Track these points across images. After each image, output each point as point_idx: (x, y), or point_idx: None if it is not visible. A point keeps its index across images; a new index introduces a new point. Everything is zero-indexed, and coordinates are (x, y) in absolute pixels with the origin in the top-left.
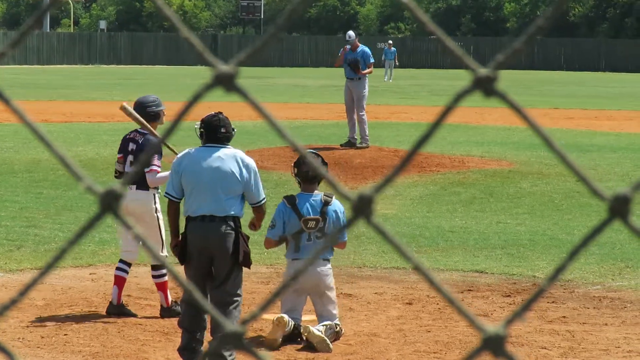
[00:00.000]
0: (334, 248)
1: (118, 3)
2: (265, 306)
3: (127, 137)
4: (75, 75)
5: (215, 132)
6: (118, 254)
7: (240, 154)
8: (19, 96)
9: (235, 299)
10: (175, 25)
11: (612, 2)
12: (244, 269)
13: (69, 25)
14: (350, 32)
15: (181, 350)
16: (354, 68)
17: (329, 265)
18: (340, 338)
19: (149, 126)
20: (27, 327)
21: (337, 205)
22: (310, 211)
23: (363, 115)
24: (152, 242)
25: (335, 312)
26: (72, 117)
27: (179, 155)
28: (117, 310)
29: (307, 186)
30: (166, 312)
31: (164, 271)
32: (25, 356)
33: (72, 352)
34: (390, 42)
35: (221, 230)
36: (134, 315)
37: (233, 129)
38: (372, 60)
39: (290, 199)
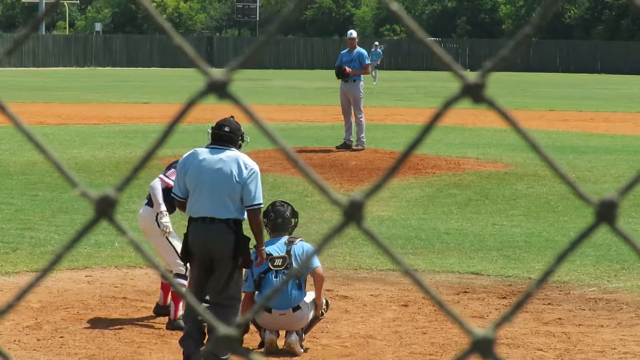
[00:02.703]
0: (306, 289)
1: (113, 5)
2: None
3: None
4: (71, 78)
5: (219, 130)
6: (114, 257)
7: (243, 157)
8: (15, 98)
9: (234, 302)
10: (168, 34)
11: (608, 4)
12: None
13: (65, 28)
14: (352, 31)
15: (184, 354)
16: (339, 75)
17: (302, 313)
18: (336, 338)
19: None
20: (23, 329)
21: (302, 243)
22: (277, 252)
23: (361, 117)
24: (166, 254)
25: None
26: (67, 120)
27: (185, 155)
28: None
29: (276, 234)
30: (161, 309)
31: (181, 281)
32: (21, 359)
33: (68, 355)
34: (377, 43)
35: (221, 233)
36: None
37: (242, 136)
38: (367, 62)
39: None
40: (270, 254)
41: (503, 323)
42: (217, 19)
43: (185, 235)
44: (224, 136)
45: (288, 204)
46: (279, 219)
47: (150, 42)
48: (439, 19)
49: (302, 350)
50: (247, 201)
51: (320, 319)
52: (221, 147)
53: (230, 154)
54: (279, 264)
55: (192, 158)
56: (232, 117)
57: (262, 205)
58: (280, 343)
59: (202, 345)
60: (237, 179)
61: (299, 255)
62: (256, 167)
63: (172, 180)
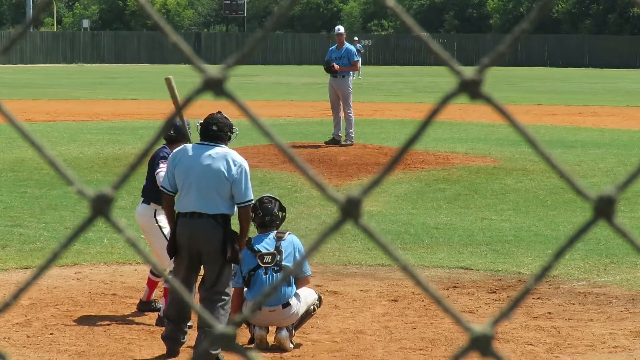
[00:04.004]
0: (295, 287)
1: (101, 2)
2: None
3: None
4: (59, 74)
5: (207, 129)
6: (103, 253)
7: (232, 154)
8: (3, 96)
9: (223, 297)
10: (164, 31)
11: None
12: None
13: (52, 24)
14: (339, 27)
15: (165, 338)
16: (328, 70)
17: (291, 309)
18: (326, 334)
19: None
20: (13, 326)
21: (291, 238)
22: (266, 248)
23: (350, 113)
24: (163, 252)
25: (304, 310)
26: (55, 116)
27: (176, 149)
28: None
29: (263, 230)
30: (144, 305)
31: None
32: (11, 356)
33: (58, 352)
34: (356, 38)
35: (208, 228)
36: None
37: (230, 129)
38: (356, 59)
39: (246, 241)
40: (260, 251)
41: (501, 319)
42: (204, 15)
43: (173, 229)
44: (213, 135)
45: (276, 199)
46: (267, 217)
47: (137, 39)
48: (427, 13)
49: (292, 346)
50: (237, 198)
51: (312, 315)
52: (210, 143)
53: (220, 150)
54: (269, 260)
55: (181, 154)
56: (219, 112)
57: (253, 201)
58: (270, 339)
59: (182, 343)
60: (226, 176)
61: (289, 252)
62: (245, 164)
63: None
